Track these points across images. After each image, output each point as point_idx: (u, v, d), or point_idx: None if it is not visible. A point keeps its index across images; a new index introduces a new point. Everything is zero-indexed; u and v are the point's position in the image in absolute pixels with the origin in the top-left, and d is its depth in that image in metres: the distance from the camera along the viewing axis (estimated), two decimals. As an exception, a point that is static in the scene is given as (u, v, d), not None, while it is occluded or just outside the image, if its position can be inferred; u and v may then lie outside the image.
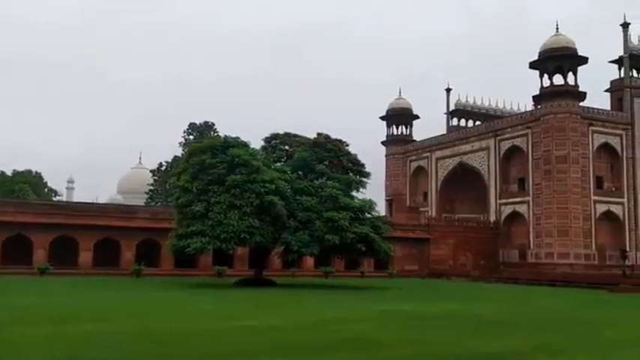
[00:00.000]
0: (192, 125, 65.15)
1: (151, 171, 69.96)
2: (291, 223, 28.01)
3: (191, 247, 26.24)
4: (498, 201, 51.83)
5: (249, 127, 66.31)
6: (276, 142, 33.57)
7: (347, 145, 32.74)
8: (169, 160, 64.83)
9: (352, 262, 38.31)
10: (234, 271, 36.54)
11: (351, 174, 32.02)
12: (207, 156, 28.31)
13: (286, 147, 33.58)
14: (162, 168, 66.74)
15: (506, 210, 50.94)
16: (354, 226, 28.02)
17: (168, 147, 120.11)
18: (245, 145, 29.66)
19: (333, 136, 32.84)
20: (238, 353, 9.54)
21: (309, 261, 39.07)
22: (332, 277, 38.59)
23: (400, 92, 64.03)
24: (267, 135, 33.45)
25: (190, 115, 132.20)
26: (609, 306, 22.53)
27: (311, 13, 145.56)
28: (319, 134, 32.71)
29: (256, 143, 32.45)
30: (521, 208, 49.41)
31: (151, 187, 67.26)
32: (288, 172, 30.56)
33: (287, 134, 33.78)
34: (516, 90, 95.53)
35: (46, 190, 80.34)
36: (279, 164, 32.14)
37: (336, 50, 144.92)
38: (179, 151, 62.15)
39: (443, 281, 40.89)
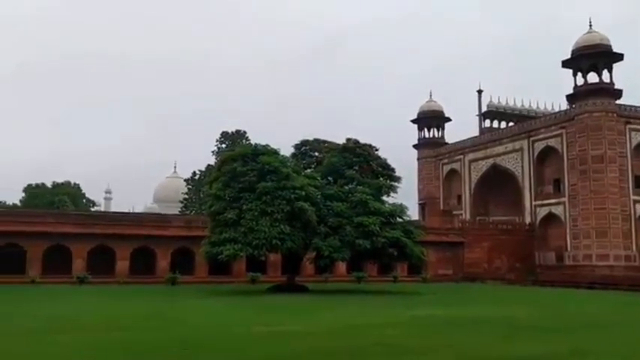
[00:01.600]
0: (224, 134, 65.95)
1: (185, 180, 71.02)
2: (322, 229, 28.07)
3: (224, 253, 26.53)
4: (533, 203, 50.85)
5: (278, 131, 67.11)
6: (306, 148, 33.80)
7: (376, 150, 32.71)
8: (203, 169, 65.75)
9: (385, 267, 38.15)
10: (267, 277, 36.75)
11: (381, 179, 31.92)
12: (239, 164, 28.65)
13: (316, 153, 33.78)
14: (196, 177, 67.73)
15: (542, 212, 49.93)
16: (385, 230, 27.96)
17: (202, 156, 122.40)
18: (275, 152, 29.88)
19: (363, 140, 32.88)
20: (270, 358, 9.65)
21: (342, 266, 39.04)
22: (365, 282, 38.50)
23: (431, 95, 63.71)
24: (297, 142, 33.76)
25: (223, 123, 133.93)
26: (650, 308, 21.93)
27: (343, 16, 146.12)
28: (348, 139, 32.75)
29: (286, 148, 32.77)
30: (557, 210, 48.38)
31: (186, 196, 68.29)
32: (318, 178, 30.67)
33: (316, 140, 33.99)
34: (549, 90, 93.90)
35: (84, 200, 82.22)
36: (309, 170, 32.29)
37: (367, 53, 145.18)
38: (212, 160, 62.95)
39: (477, 285, 40.35)
